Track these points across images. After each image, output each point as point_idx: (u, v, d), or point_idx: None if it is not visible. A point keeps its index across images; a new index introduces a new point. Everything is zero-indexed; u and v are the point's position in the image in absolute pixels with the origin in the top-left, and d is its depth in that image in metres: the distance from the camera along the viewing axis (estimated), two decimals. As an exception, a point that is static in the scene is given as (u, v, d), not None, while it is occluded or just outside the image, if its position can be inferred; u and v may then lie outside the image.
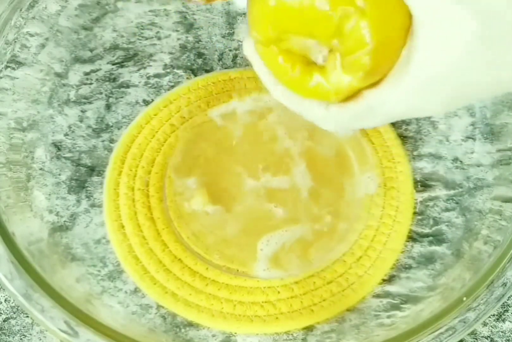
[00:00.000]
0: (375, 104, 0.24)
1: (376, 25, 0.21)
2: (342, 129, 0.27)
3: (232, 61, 0.44)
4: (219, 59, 0.44)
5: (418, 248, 0.38)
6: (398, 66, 0.23)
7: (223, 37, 0.44)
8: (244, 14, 0.44)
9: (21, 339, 0.38)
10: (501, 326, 0.38)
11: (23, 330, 0.38)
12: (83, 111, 0.41)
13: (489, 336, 0.38)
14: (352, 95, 0.24)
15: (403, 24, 0.22)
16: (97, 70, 0.42)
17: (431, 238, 0.39)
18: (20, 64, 0.38)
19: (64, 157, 0.40)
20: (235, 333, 0.37)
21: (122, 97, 0.42)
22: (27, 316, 0.38)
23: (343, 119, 0.25)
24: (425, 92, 0.23)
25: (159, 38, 0.43)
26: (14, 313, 0.38)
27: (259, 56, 0.25)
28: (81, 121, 0.41)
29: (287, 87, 0.25)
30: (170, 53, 0.43)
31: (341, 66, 0.23)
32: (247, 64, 0.44)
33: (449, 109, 0.25)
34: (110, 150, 0.41)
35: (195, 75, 0.44)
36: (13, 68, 0.37)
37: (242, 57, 0.44)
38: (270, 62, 0.24)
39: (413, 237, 0.39)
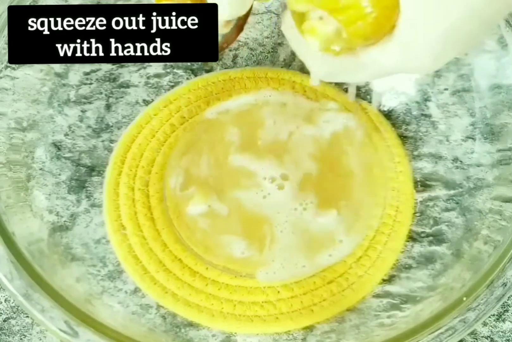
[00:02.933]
0: (367, 60, 0.26)
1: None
2: (330, 77, 0.29)
3: (232, 61, 0.44)
4: (219, 59, 0.44)
5: (418, 248, 0.39)
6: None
7: (223, 37, 0.44)
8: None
9: (21, 339, 0.38)
10: (501, 326, 0.38)
11: (23, 330, 0.38)
12: (83, 111, 0.41)
13: (489, 336, 0.38)
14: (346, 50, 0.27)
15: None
16: (97, 70, 0.42)
17: (431, 238, 0.39)
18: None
19: (64, 157, 0.40)
20: (235, 333, 0.37)
21: (122, 97, 0.42)
22: (27, 316, 0.38)
23: (335, 69, 0.28)
24: (409, 54, 0.25)
25: (159, 38, 0.43)
26: (14, 313, 0.38)
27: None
28: (81, 121, 0.41)
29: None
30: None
31: (345, 33, 0.25)
32: (247, 64, 0.44)
33: (435, 66, 0.27)
34: (110, 150, 0.41)
35: (195, 75, 0.44)
36: (13, 68, 0.37)
37: (242, 57, 0.44)
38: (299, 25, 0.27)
39: (413, 237, 0.39)
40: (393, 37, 0.25)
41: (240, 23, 0.32)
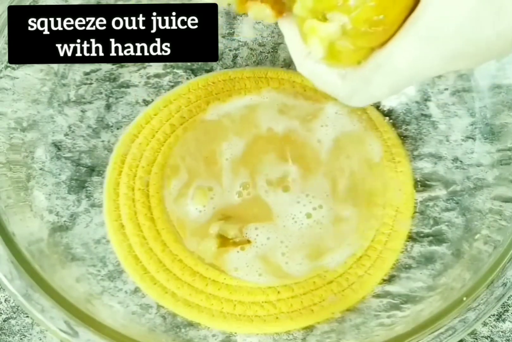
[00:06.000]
0: (382, 61, 0.25)
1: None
2: (356, 96, 0.28)
3: (232, 61, 0.44)
4: (219, 59, 0.44)
5: (418, 248, 0.38)
6: (406, 24, 0.24)
7: (223, 37, 0.44)
8: (244, 14, 0.44)
9: (21, 339, 0.38)
10: (501, 326, 0.38)
11: (23, 330, 0.38)
12: (83, 111, 0.41)
13: (489, 336, 0.38)
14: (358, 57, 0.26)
15: None
16: (97, 70, 0.42)
17: (431, 238, 0.39)
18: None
19: (64, 157, 0.40)
20: (235, 333, 0.37)
21: (122, 97, 0.42)
22: (27, 316, 0.38)
23: (356, 83, 0.27)
24: (430, 47, 0.24)
25: (159, 38, 0.43)
26: (14, 313, 0.38)
27: (296, 28, 0.27)
28: (81, 121, 0.41)
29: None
30: (170, 53, 0.43)
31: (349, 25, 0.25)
32: (247, 64, 0.44)
33: (452, 68, 0.26)
34: (110, 150, 0.41)
35: (195, 75, 0.44)
36: (13, 68, 0.37)
37: (242, 57, 0.44)
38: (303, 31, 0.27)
39: (413, 237, 0.39)
40: (412, 32, 0.24)
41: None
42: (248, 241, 0.38)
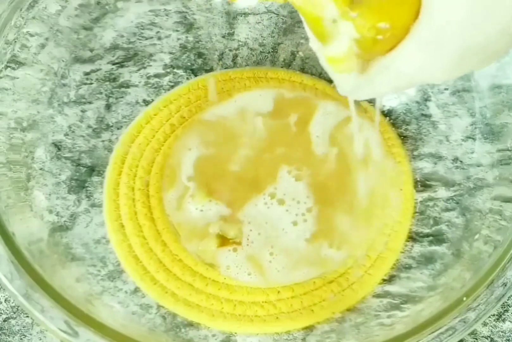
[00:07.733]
0: (388, 64, 0.26)
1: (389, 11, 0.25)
2: (358, 91, 0.28)
3: (232, 61, 0.44)
4: (219, 59, 0.44)
5: (418, 248, 0.39)
6: (411, 30, 0.25)
7: (223, 37, 0.44)
8: (244, 14, 0.44)
9: (21, 339, 0.38)
10: (501, 326, 0.38)
11: (23, 330, 0.38)
12: (83, 111, 0.41)
13: (489, 336, 0.38)
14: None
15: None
16: (97, 70, 0.42)
17: (431, 238, 0.39)
18: (20, 64, 0.38)
19: (64, 157, 0.40)
20: (235, 333, 0.37)
21: (122, 97, 0.42)
22: (27, 316, 0.38)
23: (360, 81, 0.27)
24: (433, 52, 0.25)
25: (159, 38, 0.43)
26: (14, 313, 0.38)
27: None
28: (81, 121, 0.41)
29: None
30: (170, 53, 0.43)
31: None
32: (247, 64, 0.44)
33: (455, 73, 0.27)
34: (110, 150, 0.41)
35: (195, 75, 0.44)
36: (13, 68, 0.37)
37: (242, 57, 0.44)
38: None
39: (413, 237, 0.39)
40: (413, 37, 0.25)
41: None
42: (239, 242, 0.38)
